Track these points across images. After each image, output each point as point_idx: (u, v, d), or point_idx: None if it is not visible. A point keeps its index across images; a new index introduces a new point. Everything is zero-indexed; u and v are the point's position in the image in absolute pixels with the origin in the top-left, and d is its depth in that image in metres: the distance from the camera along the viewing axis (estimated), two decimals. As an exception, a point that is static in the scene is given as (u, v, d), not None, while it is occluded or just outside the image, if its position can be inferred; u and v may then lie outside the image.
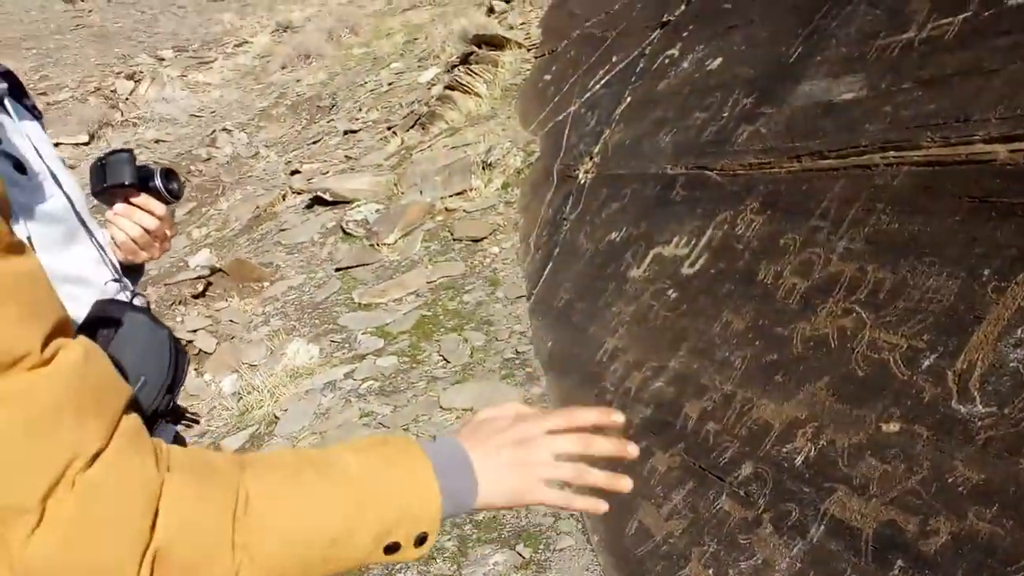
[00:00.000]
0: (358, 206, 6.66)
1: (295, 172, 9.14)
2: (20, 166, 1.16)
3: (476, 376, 3.80)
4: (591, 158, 4.83)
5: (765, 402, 2.21)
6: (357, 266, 5.64)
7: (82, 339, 0.67)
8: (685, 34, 4.50)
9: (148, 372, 1.22)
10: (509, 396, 3.54)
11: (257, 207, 8.32)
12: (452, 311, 4.55)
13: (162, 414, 1.27)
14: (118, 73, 17.05)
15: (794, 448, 2.02)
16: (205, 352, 4.85)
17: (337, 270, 5.71)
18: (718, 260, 2.90)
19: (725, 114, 3.45)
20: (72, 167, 8.51)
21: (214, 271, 5.96)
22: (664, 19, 5.00)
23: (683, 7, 4.79)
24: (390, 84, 11.32)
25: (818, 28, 3.06)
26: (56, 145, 1.30)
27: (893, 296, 1.97)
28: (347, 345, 4.52)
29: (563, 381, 3.48)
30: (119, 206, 1.36)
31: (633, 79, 4.97)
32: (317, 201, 7.23)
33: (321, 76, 13.85)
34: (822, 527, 1.81)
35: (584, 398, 3.18)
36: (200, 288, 5.73)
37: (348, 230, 6.31)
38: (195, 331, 5.10)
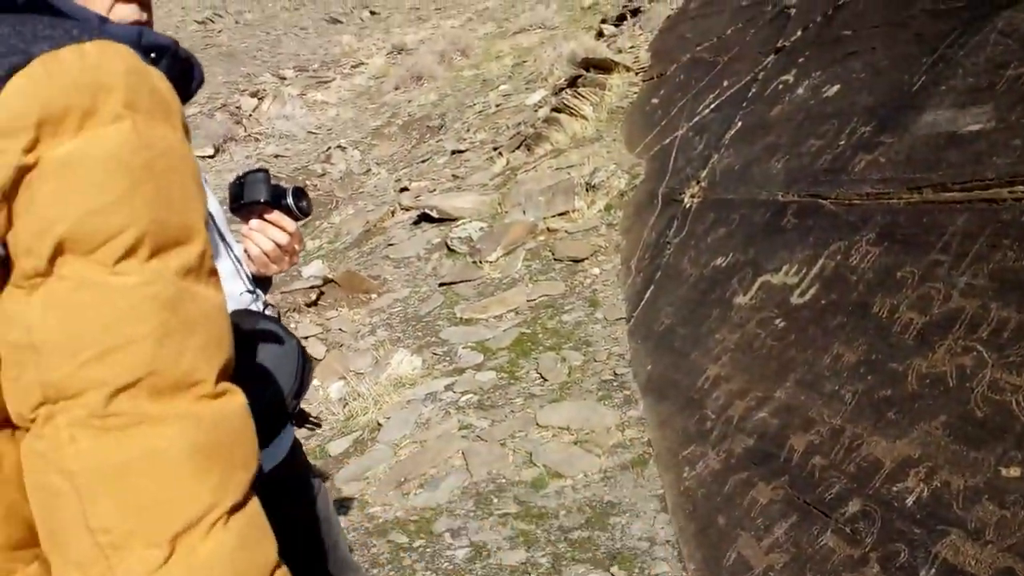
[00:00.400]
0: (463, 224, 6.82)
1: (404, 189, 9.43)
2: None
3: (573, 396, 3.82)
4: (698, 182, 4.80)
5: (876, 439, 2.15)
6: (460, 282, 5.77)
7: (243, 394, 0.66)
8: (801, 60, 4.43)
9: (279, 377, 1.32)
10: (606, 418, 3.54)
11: (367, 222, 8.63)
12: (551, 330, 4.59)
13: (288, 417, 1.37)
14: (243, 91, 18.06)
15: (905, 488, 1.95)
16: (315, 358, 5.07)
17: (440, 285, 5.86)
18: (830, 291, 2.83)
19: (842, 142, 3.38)
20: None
21: (326, 281, 6.22)
22: (779, 44, 4.94)
23: (799, 33, 4.72)
24: (498, 106, 11.54)
25: (944, 57, 2.96)
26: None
27: (1018, 336, 1.89)
28: (448, 358, 4.63)
29: (661, 406, 3.46)
30: (254, 222, 1.45)
31: (744, 104, 4.92)
32: (424, 218, 7.44)
33: (432, 97, 14.26)
34: (932, 570, 1.74)
35: (684, 424, 3.15)
36: (313, 297, 5.99)
37: (452, 247, 6.47)
38: (306, 338, 5.34)
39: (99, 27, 0.65)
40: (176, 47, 0.74)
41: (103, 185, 0.57)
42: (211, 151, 14.16)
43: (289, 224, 1.45)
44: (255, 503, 0.65)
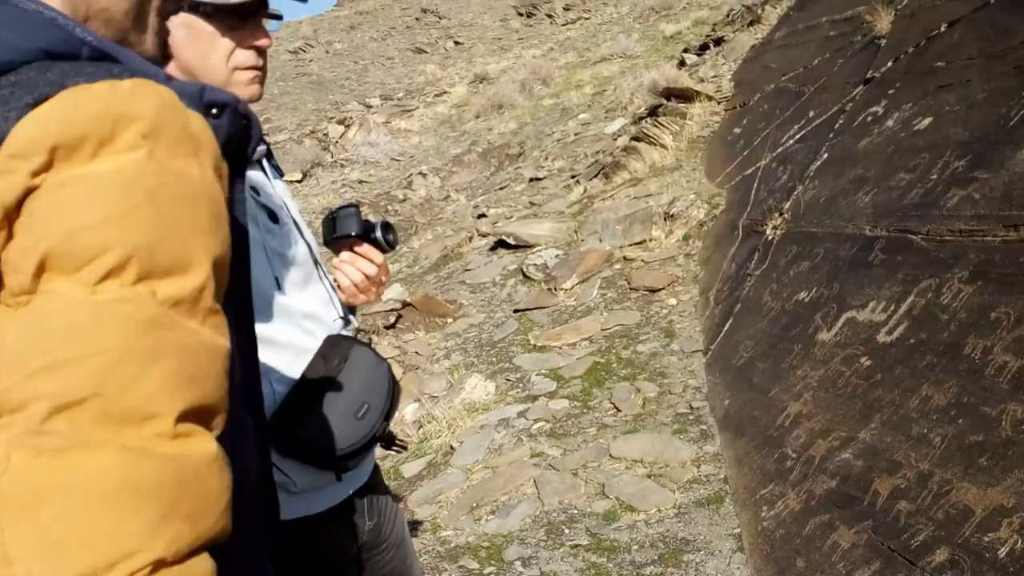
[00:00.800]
0: (539, 251, 6.86)
1: (482, 216, 9.55)
2: (274, 216, 1.37)
3: (647, 428, 3.78)
4: (781, 214, 4.71)
5: (966, 485, 2.05)
6: (534, 309, 5.80)
7: (219, 446, 0.59)
8: (891, 91, 4.32)
9: (371, 400, 1.39)
10: (681, 452, 3.49)
11: (445, 247, 8.77)
12: (625, 360, 4.56)
13: (378, 439, 1.42)
14: (331, 118, 18.70)
15: (997, 538, 1.86)
16: (392, 380, 5.17)
17: (515, 311, 5.90)
18: (919, 329, 2.73)
19: (933, 177, 3.27)
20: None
21: (404, 305, 6.34)
22: (868, 75, 4.83)
23: (890, 64, 4.61)
24: (576, 134, 11.61)
25: (1046, 88, 2.85)
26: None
27: None
28: (521, 384, 4.64)
29: (739, 442, 3.38)
30: (345, 254, 1.52)
31: (831, 135, 4.82)
32: (500, 244, 7.52)
33: (512, 125, 14.44)
34: (1030, 630, 1.65)
35: (762, 462, 3.08)
36: (391, 320, 6.12)
37: (528, 273, 6.51)
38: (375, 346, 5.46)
39: (164, 83, 0.67)
40: (237, 103, 0.74)
41: (97, 203, 0.56)
42: (299, 176, 14.68)
43: (377, 256, 1.51)
44: (199, 569, 0.56)
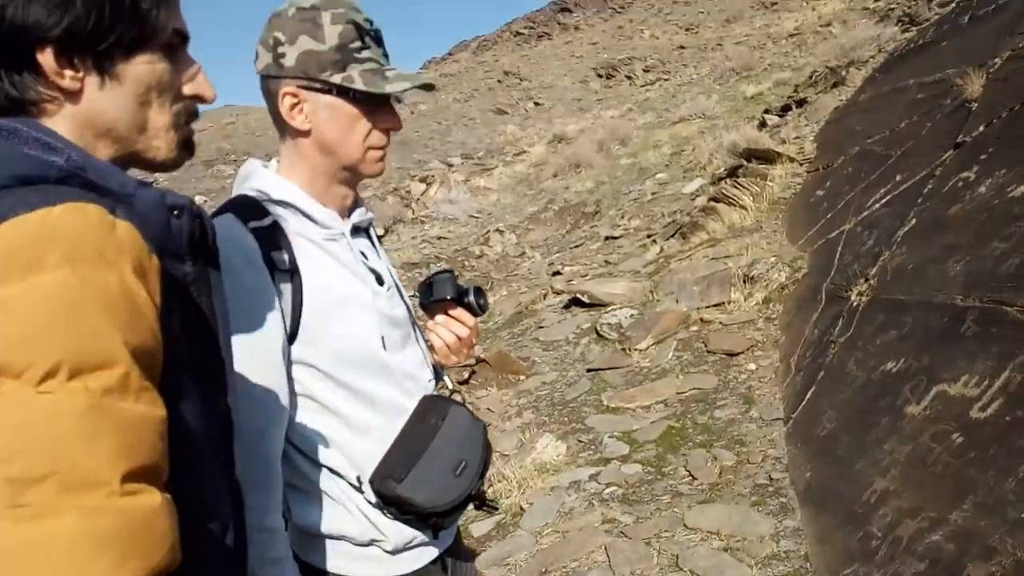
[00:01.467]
0: (613, 310, 6.82)
1: (556, 273, 9.59)
2: (380, 279, 1.47)
3: (724, 498, 3.66)
4: (866, 280, 4.57)
5: (1074, 580, 1.91)
6: (608, 369, 5.74)
7: (165, 496, 0.72)
8: (984, 157, 4.18)
9: (469, 458, 1.45)
10: (760, 525, 3.35)
11: (520, 303, 8.82)
12: (702, 425, 4.45)
13: (473, 497, 1.46)
14: (413, 176, 19.25)
15: (1113, 643, 1.71)
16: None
17: (588, 371, 5.85)
18: (1015, 407, 2.59)
19: (1030, 245, 3.13)
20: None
21: (478, 361, 6.37)
22: (959, 140, 4.70)
23: (982, 128, 4.48)
24: (654, 193, 11.60)
25: None
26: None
27: None
28: (593, 447, 4.58)
29: (821, 518, 3.24)
30: (439, 317, 1.59)
31: (919, 200, 4.68)
32: (575, 302, 7.51)
33: (588, 184, 14.56)
34: None
35: (845, 540, 2.93)
36: (465, 376, 6.15)
37: (602, 332, 6.46)
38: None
39: (131, 191, 0.82)
40: (192, 204, 0.90)
41: (30, 318, 0.68)
42: (381, 232, 15.10)
43: (469, 319, 1.58)
44: None
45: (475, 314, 1.60)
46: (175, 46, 0.94)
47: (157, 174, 1.01)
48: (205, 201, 22.49)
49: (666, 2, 42.23)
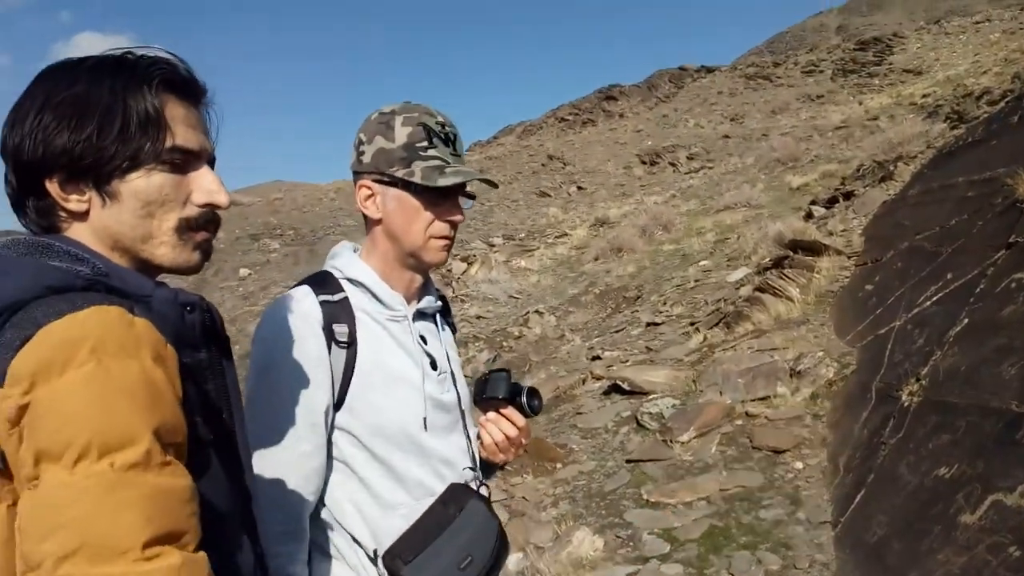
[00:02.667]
0: (654, 399, 6.70)
1: (596, 358, 9.50)
2: (435, 364, 1.54)
3: (769, 605, 3.49)
4: (917, 380, 4.44)
5: None
6: (648, 460, 5.60)
7: (187, 555, 0.81)
8: (1039, 258, 4.10)
9: (476, 554, 1.45)
10: (807, 638, 3.18)
11: (558, 387, 8.73)
12: (746, 526, 4.29)
13: None
14: (455, 255, 19.48)
15: None
16: (497, 525, 5.06)
17: (628, 461, 5.71)
18: (1085, 526, 2.45)
19: (1094, 353, 3.02)
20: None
21: (514, 446, 6.29)
22: (1011, 240, 4.62)
23: (1036, 228, 4.40)
24: (696, 281, 11.54)
25: None
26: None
27: None
28: (632, 543, 4.43)
29: (873, 633, 3.06)
30: (491, 414, 1.63)
31: (971, 300, 4.58)
32: (615, 389, 7.40)
33: (630, 269, 14.56)
34: None
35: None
36: (511, 459, 6.06)
37: (642, 422, 6.34)
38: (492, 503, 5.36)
39: (148, 292, 0.95)
40: (202, 301, 1.03)
41: (64, 410, 0.79)
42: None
43: (519, 419, 1.62)
44: None
45: (526, 415, 1.62)
46: (178, 162, 1.02)
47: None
48: (249, 273, 23.02)
49: (711, 92, 43.01)
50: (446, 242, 1.52)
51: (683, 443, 5.62)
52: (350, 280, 1.51)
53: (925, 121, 14.18)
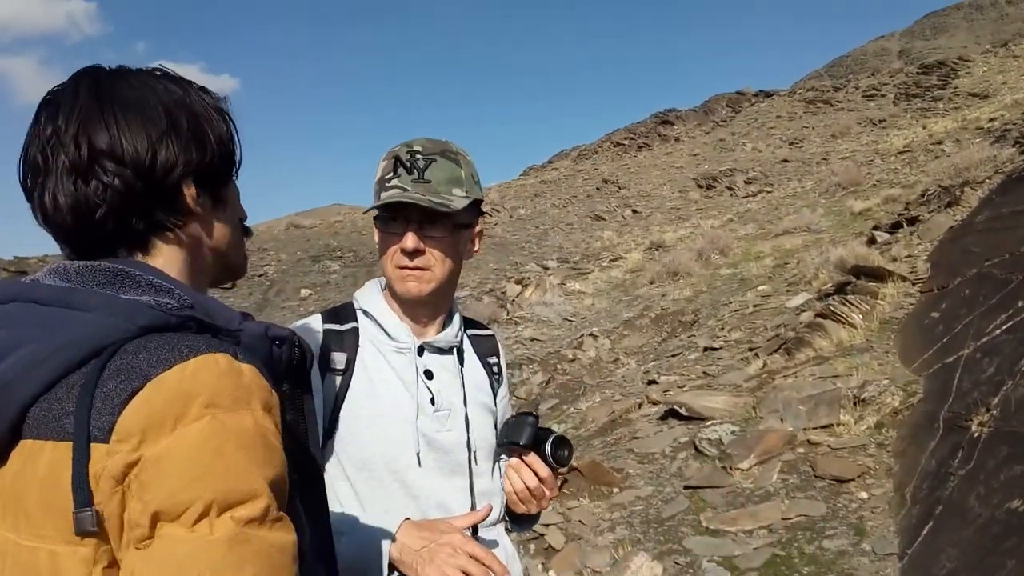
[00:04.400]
0: (713, 425, 6.62)
1: (652, 382, 9.43)
2: (433, 400, 1.48)
3: (834, 637, 3.42)
4: (988, 410, 4.33)
5: None
6: (707, 487, 5.54)
7: None
8: (1119, 286, 3.97)
9: None
10: (874, 671, 3.11)
11: (613, 411, 8.69)
12: (809, 556, 4.21)
13: None
14: (509, 278, 19.61)
15: None
16: (554, 548, 5.05)
17: (686, 487, 5.66)
18: None
19: None
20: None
21: (570, 469, 6.28)
22: (1089, 266, 4.48)
23: (1116, 255, 4.26)
24: (755, 306, 11.39)
25: None
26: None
27: None
28: (691, 571, 4.38)
29: (945, 669, 2.98)
30: (513, 460, 1.55)
31: (1046, 329, 4.45)
32: (671, 414, 7.34)
33: (686, 293, 14.44)
34: None
35: None
36: (558, 483, 6.06)
37: (701, 448, 6.27)
38: (547, 525, 5.36)
39: (238, 326, 0.93)
40: (292, 336, 1.01)
41: (182, 469, 0.77)
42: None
43: (542, 469, 1.51)
44: None
45: (552, 467, 1.51)
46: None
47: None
48: (310, 294, 23.48)
49: (769, 116, 42.58)
50: (406, 272, 1.45)
51: (743, 470, 5.55)
52: (363, 311, 1.52)
53: (993, 146, 13.81)
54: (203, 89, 1.03)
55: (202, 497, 0.76)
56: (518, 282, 18.61)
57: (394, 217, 1.45)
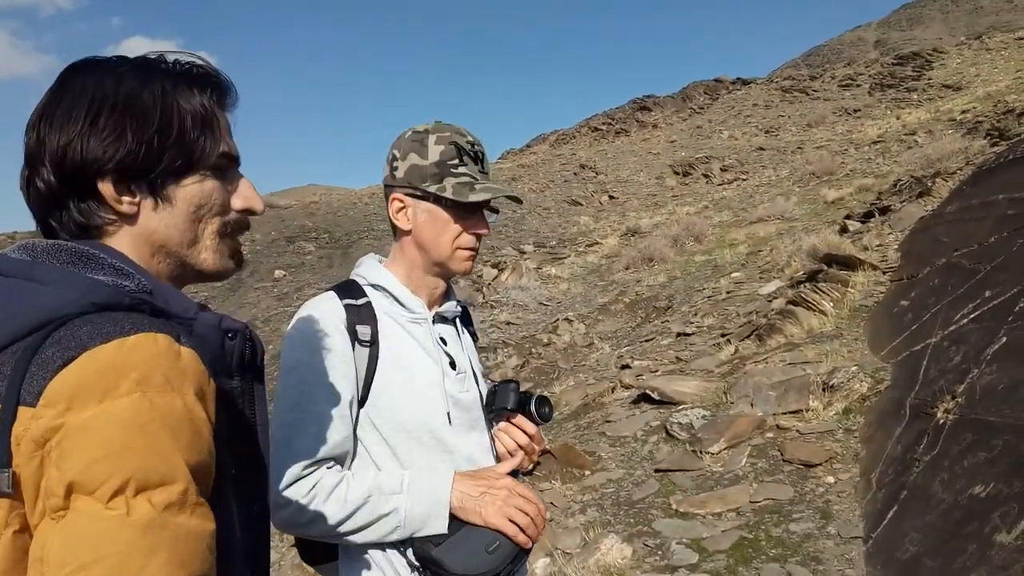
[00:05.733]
0: (684, 409, 6.68)
1: (625, 367, 9.50)
2: (453, 364, 1.63)
3: (798, 618, 3.48)
4: (953, 397, 4.40)
5: None
6: (677, 470, 5.59)
7: None
8: (1082, 277, 4.05)
9: (503, 538, 1.50)
10: (837, 651, 3.17)
11: (586, 395, 8.74)
12: (776, 539, 4.27)
13: None
14: (486, 261, 19.57)
15: None
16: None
17: (657, 471, 5.71)
18: (1125, 547, 2.42)
19: None
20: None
21: (543, 452, 6.31)
22: (1054, 257, 4.56)
23: (1080, 247, 4.34)
24: (728, 292, 11.50)
25: None
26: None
27: None
28: (660, 552, 4.43)
29: (905, 650, 3.04)
30: (502, 423, 1.72)
31: (1010, 319, 4.53)
32: (644, 398, 7.39)
33: (661, 279, 14.53)
34: None
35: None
36: (529, 467, 6.09)
37: (672, 432, 6.33)
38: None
39: (192, 315, 0.93)
40: (245, 329, 1.02)
41: (103, 441, 0.76)
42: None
43: (530, 427, 1.70)
44: None
45: (536, 423, 1.70)
46: (223, 167, 1.04)
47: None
48: (284, 275, 23.30)
49: (746, 104, 42.78)
50: (471, 253, 1.62)
51: (713, 454, 5.61)
52: (373, 286, 1.61)
53: (964, 137, 14.00)
54: (188, 82, 1.00)
55: (119, 473, 0.75)
56: (494, 266, 18.60)
57: (473, 206, 1.58)
